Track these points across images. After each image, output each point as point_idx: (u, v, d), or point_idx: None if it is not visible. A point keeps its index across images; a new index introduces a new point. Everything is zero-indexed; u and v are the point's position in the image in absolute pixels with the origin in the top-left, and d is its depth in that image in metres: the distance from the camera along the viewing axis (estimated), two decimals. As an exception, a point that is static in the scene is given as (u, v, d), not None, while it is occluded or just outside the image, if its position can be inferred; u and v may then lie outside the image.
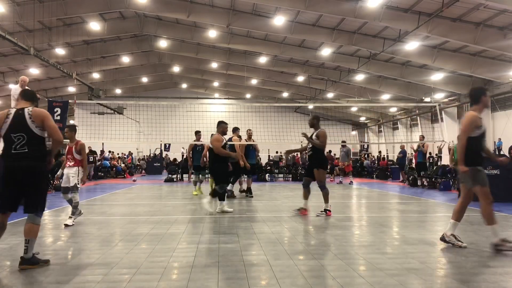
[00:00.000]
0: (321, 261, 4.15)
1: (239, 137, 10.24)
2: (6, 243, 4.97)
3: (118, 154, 28.03)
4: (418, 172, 15.32)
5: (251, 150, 10.98)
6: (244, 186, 11.25)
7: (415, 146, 15.92)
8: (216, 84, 34.03)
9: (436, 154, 22.73)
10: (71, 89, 31.46)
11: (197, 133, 11.50)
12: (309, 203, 7.45)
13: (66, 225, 6.18)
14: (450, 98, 26.43)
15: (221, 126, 8.01)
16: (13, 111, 4.03)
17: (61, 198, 10.40)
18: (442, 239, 4.85)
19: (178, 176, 19.27)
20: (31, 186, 3.95)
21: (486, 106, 4.93)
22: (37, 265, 3.91)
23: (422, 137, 16.84)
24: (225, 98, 34.78)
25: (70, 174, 6.49)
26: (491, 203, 4.64)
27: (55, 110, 10.27)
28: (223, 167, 7.88)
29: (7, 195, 3.93)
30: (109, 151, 25.86)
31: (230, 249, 4.69)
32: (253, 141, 11.39)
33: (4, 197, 3.93)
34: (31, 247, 3.92)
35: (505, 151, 20.22)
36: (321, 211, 7.23)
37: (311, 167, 7.36)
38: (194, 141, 11.49)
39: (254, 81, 31.07)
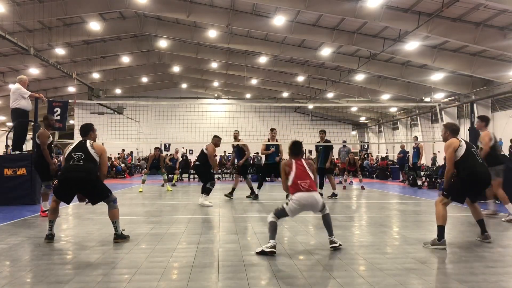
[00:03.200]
0: (321, 261, 4.15)
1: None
2: (6, 243, 4.97)
3: (118, 154, 28.01)
4: (414, 172, 15.44)
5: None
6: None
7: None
8: (216, 84, 34.02)
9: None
10: (71, 89, 31.44)
11: (160, 146, 14.02)
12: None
13: None
14: (450, 98, 26.43)
15: (215, 139, 9.55)
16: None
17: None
18: None
19: (178, 176, 19.25)
20: (90, 190, 5.01)
21: None
22: (125, 239, 5.04)
23: (415, 138, 16.86)
24: (225, 98, 34.78)
25: None
26: None
27: (55, 110, 10.22)
28: (211, 168, 9.41)
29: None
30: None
31: (230, 249, 4.69)
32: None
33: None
34: (118, 226, 5.04)
35: (505, 150, 20.20)
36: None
37: None
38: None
39: (254, 81, 31.06)
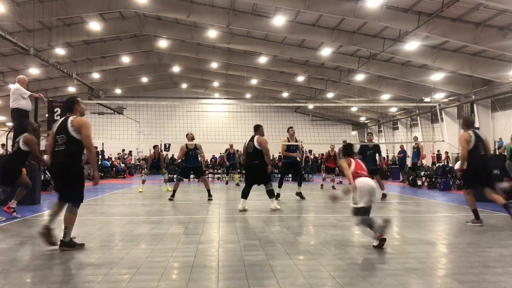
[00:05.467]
0: (321, 261, 4.15)
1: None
2: (7, 243, 4.98)
3: (118, 154, 28.01)
4: (413, 172, 15.43)
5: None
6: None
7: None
8: (216, 84, 34.02)
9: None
10: (71, 89, 31.44)
11: (160, 146, 13.43)
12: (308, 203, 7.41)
13: None
14: (450, 98, 26.43)
15: (261, 130, 8.31)
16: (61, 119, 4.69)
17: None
18: None
19: (178, 176, 19.20)
20: (66, 179, 4.56)
21: None
22: (74, 248, 4.53)
23: (415, 138, 16.87)
24: (225, 98, 34.77)
25: None
26: None
27: (55, 110, 10.23)
28: (266, 168, 8.16)
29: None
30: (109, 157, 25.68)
31: (230, 249, 4.69)
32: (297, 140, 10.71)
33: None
34: (69, 233, 4.55)
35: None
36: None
37: None
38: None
39: (254, 81, 31.06)
